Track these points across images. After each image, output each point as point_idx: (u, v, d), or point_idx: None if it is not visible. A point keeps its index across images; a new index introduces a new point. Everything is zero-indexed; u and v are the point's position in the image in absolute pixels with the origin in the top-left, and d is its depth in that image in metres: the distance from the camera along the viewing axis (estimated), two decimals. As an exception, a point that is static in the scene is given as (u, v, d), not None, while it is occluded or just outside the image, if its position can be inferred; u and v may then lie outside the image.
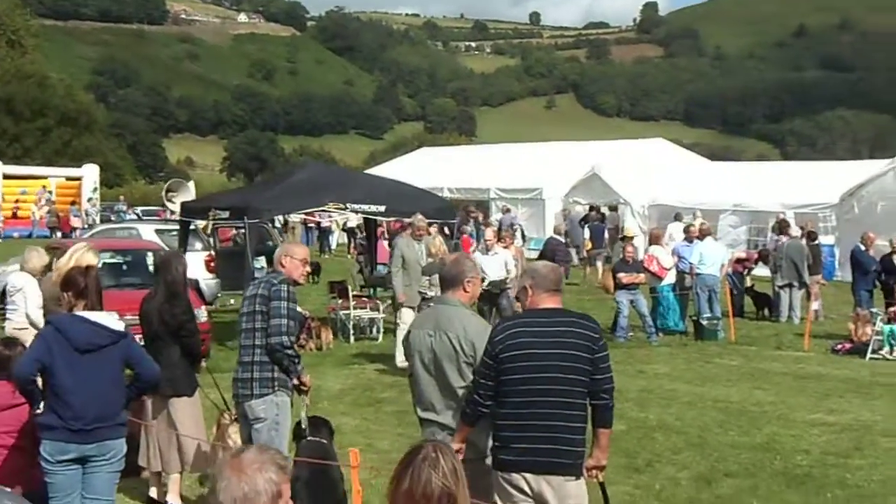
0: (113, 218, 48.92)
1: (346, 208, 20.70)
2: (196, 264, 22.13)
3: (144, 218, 43.38)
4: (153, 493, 9.92)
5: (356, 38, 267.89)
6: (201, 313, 16.46)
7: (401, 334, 17.84)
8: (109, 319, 7.59)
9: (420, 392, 7.49)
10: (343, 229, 46.32)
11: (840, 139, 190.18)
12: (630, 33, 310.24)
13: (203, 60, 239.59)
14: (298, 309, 18.74)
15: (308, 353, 18.68)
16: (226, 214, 20.94)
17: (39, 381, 7.50)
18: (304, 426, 9.01)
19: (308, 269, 9.37)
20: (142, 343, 8.85)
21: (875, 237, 22.26)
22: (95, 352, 7.36)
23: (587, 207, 40.91)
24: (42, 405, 7.58)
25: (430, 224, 19.99)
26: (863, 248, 22.15)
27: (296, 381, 8.80)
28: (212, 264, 23.62)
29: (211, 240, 25.34)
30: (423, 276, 16.74)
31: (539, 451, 6.61)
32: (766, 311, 25.43)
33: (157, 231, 25.26)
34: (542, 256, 23.62)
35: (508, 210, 41.76)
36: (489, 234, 19.71)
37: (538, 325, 6.75)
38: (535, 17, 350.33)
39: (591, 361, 6.61)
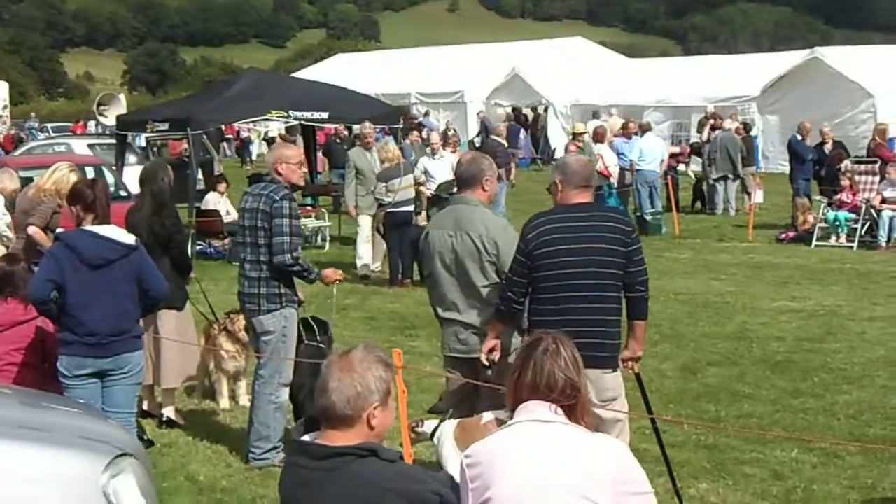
0: (23, 136, 47.67)
1: (289, 116, 20.41)
2: (132, 179, 21.73)
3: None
4: (146, 405, 9.79)
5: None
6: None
7: (361, 241, 17.83)
8: (119, 233, 7.45)
9: (441, 293, 7.45)
10: (264, 139, 45.73)
11: (741, 33, 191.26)
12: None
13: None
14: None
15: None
16: (165, 126, 20.58)
17: None
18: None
19: (305, 169, 9.20)
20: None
21: (811, 126, 22.52)
22: (107, 266, 7.22)
23: (509, 108, 40.90)
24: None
25: (377, 129, 19.91)
26: (799, 137, 22.42)
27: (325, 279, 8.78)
28: (148, 179, 23.16)
29: (148, 153, 24.86)
30: (380, 182, 16.61)
31: (576, 345, 6.62)
32: (700, 204, 25.78)
33: (90, 146, 24.70)
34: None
35: (428, 114, 41.55)
36: (434, 137, 19.55)
37: (571, 220, 6.72)
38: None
39: (626, 255, 6.63)
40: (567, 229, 6.66)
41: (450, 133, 22.10)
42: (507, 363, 7.20)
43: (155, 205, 9.46)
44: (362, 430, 3.90)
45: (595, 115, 36.59)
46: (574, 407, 4.09)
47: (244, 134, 45.04)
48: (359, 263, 17.68)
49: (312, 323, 9.20)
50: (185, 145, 28.96)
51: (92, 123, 53.20)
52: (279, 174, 8.64)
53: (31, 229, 10.38)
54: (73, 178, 9.53)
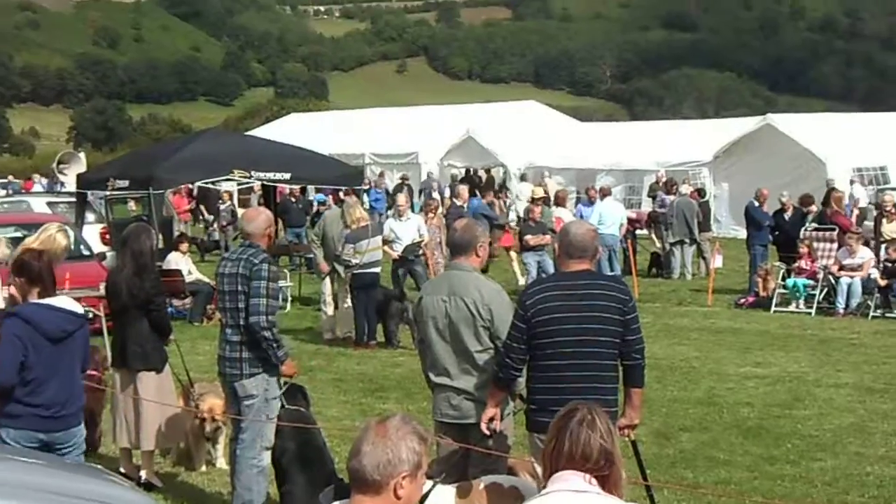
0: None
1: (251, 176, 20.36)
2: (91, 237, 21.62)
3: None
4: (122, 467, 9.68)
5: (202, 3, 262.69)
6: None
7: (327, 305, 17.81)
8: (72, 303, 7.35)
9: (434, 358, 7.47)
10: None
11: (686, 98, 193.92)
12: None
13: (44, 28, 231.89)
14: (206, 280, 18.58)
15: (217, 323, 18.43)
16: (125, 184, 20.45)
17: None
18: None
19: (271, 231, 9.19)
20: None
21: (768, 193, 22.80)
22: (66, 339, 7.12)
23: (463, 170, 41.10)
24: None
25: (337, 191, 19.98)
26: (756, 204, 22.69)
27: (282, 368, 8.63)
28: (107, 236, 23.00)
29: (104, 212, 24.65)
30: (348, 243, 16.60)
31: (573, 411, 6.65)
32: (657, 269, 25.99)
33: (49, 203, 24.52)
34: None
35: (382, 174, 41.62)
36: (401, 199, 19.62)
37: (568, 287, 6.78)
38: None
39: (622, 323, 6.69)
40: (565, 297, 6.71)
41: (431, 200, 22.07)
42: (504, 429, 7.28)
43: (136, 266, 9.44)
44: (388, 498, 3.93)
45: (523, 178, 37.01)
46: (608, 478, 4.12)
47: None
48: (324, 327, 17.69)
49: (292, 388, 9.18)
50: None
51: (43, 181, 52.81)
52: (265, 238, 8.68)
53: (13, 290, 10.27)
54: (62, 239, 9.47)
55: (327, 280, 17.73)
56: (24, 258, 7.56)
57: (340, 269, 17.19)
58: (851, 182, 29.71)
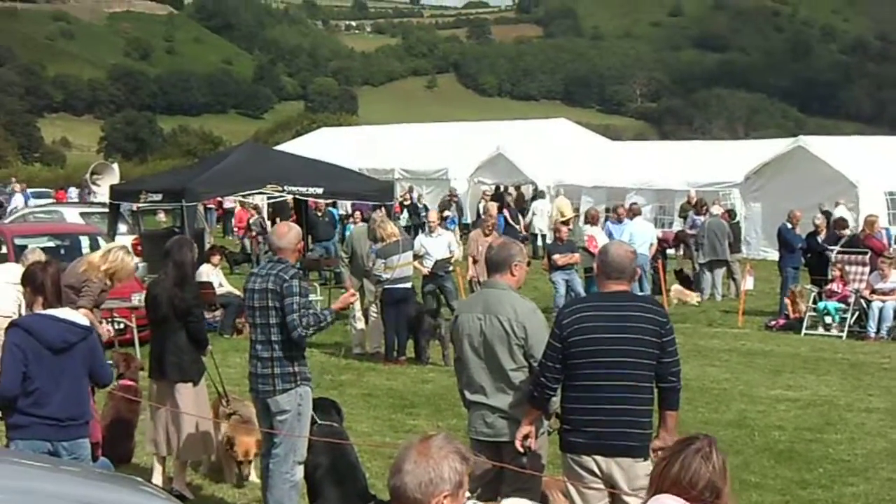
0: (2, 200, 47.52)
1: (284, 190, 20.49)
2: (123, 248, 21.70)
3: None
4: (157, 478, 9.74)
5: (234, 16, 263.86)
6: (143, 297, 16.12)
7: (357, 320, 17.80)
8: (75, 315, 7.43)
9: (469, 375, 7.50)
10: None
11: (716, 118, 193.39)
12: (509, 13, 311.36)
13: (78, 39, 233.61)
14: (237, 293, 18.64)
15: (248, 336, 18.50)
16: (158, 197, 20.61)
17: None
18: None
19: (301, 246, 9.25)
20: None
21: (801, 215, 22.73)
22: (68, 350, 7.18)
23: (493, 187, 41.12)
24: None
25: (373, 206, 20.02)
26: (789, 226, 22.61)
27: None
28: (138, 248, 23.11)
29: (136, 223, 24.83)
30: (379, 259, 16.60)
31: (609, 434, 6.67)
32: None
33: (82, 214, 24.67)
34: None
35: (412, 189, 41.70)
36: (432, 216, 19.66)
37: (605, 308, 6.80)
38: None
39: (659, 345, 6.70)
40: (602, 318, 6.73)
41: (487, 217, 22.04)
42: (538, 448, 7.29)
43: (177, 277, 9.51)
44: None
45: (540, 196, 37.09)
46: None
47: (227, 205, 45.02)
48: (354, 341, 17.70)
49: (325, 403, 9.24)
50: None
51: (73, 191, 53.16)
52: (296, 253, 8.74)
53: (83, 311, 10.35)
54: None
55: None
56: (31, 269, 7.66)
57: (370, 284, 17.22)
58: (836, 204, 29.42)
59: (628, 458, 6.68)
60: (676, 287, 24.17)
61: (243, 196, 24.17)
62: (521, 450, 7.10)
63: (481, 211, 26.37)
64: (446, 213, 35.46)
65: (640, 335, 6.67)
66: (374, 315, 17.44)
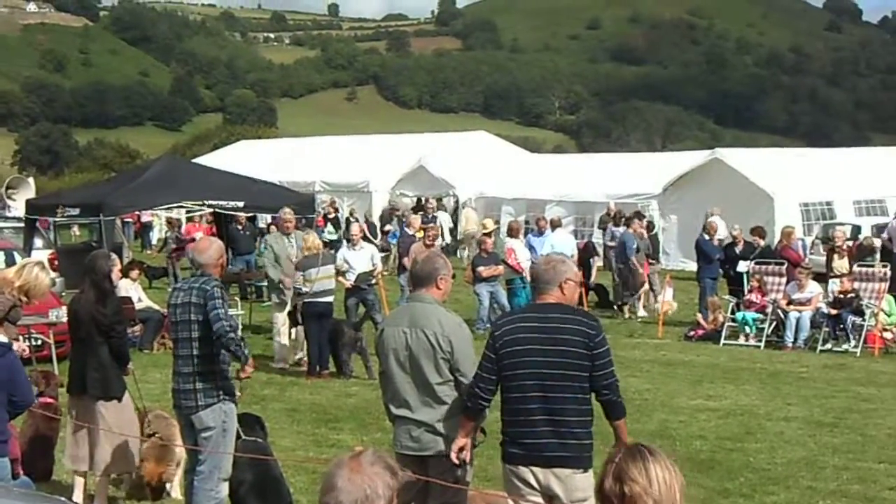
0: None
1: (204, 204, 20.33)
2: (39, 263, 21.36)
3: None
4: (78, 495, 9.59)
5: (151, 28, 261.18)
6: (60, 312, 15.89)
7: (280, 335, 17.69)
8: None
9: (394, 389, 7.48)
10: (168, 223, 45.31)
11: (633, 130, 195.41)
12: (429, 25, 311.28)
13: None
14: (156, 308, 18.45)
15: (168, 350, 18.31)
16: (76, 212, 20.35)
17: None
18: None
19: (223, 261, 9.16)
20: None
21: (717, 226, 23.03)
22: None
23: (414, 199, 41.14)
24: None
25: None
26: (706, 237, 22.90)
27: (241, 372, 8.74)
28: (55, 262, 22.76)
29: (54, 237, 24.46)
30: (297, 271, 16.55)
31: (543, 444, 6.72)
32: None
33: (-5, 229, 24.26)
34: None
35: (334, 202, 41.58)
36: (354, 228, 19.63)
37: (536, 320, 6.86)
38: (333, 8, 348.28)
39: (590, 357, 6.73)
40: (533, 329, 6.79)
41: (432, 225, 22.01)
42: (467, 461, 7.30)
43: (97, 294, 9.38)
44: None
45: (440, 208, 37.18)
46: None
47: (145, 218, 44.55)
48: (276, 356, 17.59)
49: (249, 418, 9.19)
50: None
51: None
52: (218, 268, 8.69)
53: None
54: (44, 277, 9.43)
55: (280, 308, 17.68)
56: None
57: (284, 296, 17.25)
58: (711, 213, 29.85)
59: (565, 468, 6.73)
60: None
61: (165, 209, 23.91)
62: (457, 461, 7.10)
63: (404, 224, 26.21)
64: (388, 226, 35.38)
65: (570, 347, 6.72)
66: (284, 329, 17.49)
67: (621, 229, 27.02)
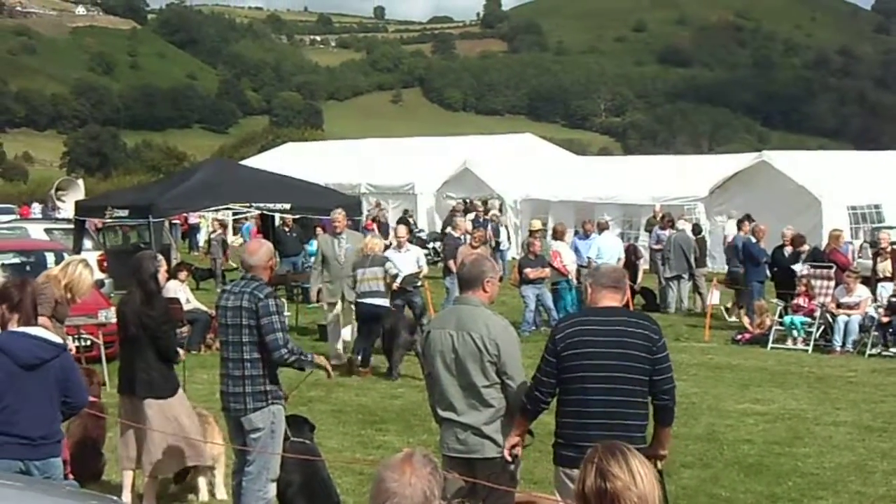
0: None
1: (251, 206, 20.46)
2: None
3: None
4: (126, 495, 9.67)
5: (198, 31, 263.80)
6: (109, 313, 16.04)
7: (330, 332, 17.78)
8: (48, 333, 7.33)
9: (441, 392, 7.47)
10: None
11: (679, 132, 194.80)
12: (474, 28, 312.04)
13: (40, 54, 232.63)
14: (204, 309, 18.58)
15: (215, 352, 18.43)
16: (124, 213, 20.53)
17: None
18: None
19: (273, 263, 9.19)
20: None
21: (765, 229, 22.87)
22: (40, 367, 7.07)
23: (460, 202, 41.14)
24: None
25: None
26: (754, 240, 22.75)
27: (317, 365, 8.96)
28: (104, 264, 23.00)
29: (101, 239, 24.72)
30: (357, 269, 16.71)
31: (601, 447, 6.68)
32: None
33: (47, 230, 24.51)
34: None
35: (379, 205, 41.71)
36: (401, 231, 19.68)
37: (599, 323, 6.87)
38: (379, 10, 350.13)
39: (651, 361, 6.74)
40: (596, 332, 6.80)
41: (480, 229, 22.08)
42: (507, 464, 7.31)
43: (144, 295, 9.45)
44: None
45: (467, 211, 37.07)
46: None
47: (192, 220, 44.88)
48: (331, 353, 17.61)
49: (297, 420, 9.24)
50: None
51: (37, 207, 52.81)
52: (268, 270, 8.72)
53: (42, 320, 10.28)
54: (88, 275, 9.53)
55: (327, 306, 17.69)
56: (7, 286, 7.58)
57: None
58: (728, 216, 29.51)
59: (622, 472, 6.71)
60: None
61: (214, 211, 24.10)
62: (510, 459, 7.13)
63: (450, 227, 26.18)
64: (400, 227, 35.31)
65: (633, 350, 6.73)
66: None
67: (667, 232, 26.93)
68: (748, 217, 25.60)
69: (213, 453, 10.15)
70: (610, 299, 6.96)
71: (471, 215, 32.59)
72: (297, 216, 24.49)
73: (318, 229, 23.32)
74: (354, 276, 16.62)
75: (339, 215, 17.95)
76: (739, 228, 24.58)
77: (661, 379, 6.79)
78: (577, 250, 23.12)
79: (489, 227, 35.62)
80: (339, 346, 17.81)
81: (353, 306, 17.30)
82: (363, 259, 16.70)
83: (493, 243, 33.47)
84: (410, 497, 3.88)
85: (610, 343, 6.73)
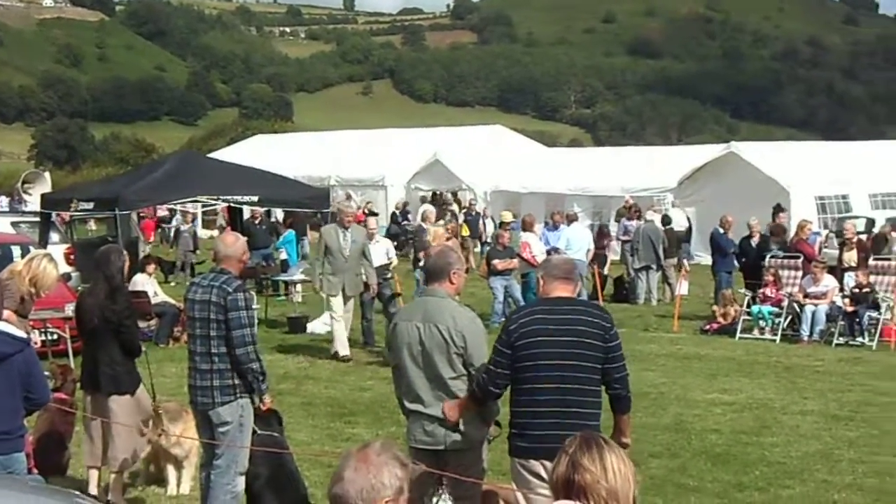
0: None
1: (218, 199, 20.39)
2: (55, 257, 21.41)
3: None
4: (93, 489, 9.63)
5: (167, 23, 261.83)
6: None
7: (336, 325, 17.64)
8: (11, 327, 7.24)
9: (408, 384, 7.46)
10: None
11: (649, 124, 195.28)
12: (444, 19, 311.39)
13: (7, 46, 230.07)
14: (172, 302, 18.48)
15: (184, 345, 18.36)
16: (90, 206, 20.41)
17: None
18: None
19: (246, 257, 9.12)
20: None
21: (733, 220, 22.98)
22: (3, 361, 6.92)
23: (430, 194, 41.15)
24: None
25: (307, 213, 19.90)
26: (721, 231, 22.86)
27: (261, 404, 8.71)
28: (71, 257, 22.83)
29: (69, 232, 24.54)
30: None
31: (554, 437, 6.67)
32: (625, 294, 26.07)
33: (13, 224, 24.30)
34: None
35: (349, 196, 41.63)
36: (371, 223, 19.65)
37: (552, 312, 6.88)
38: (349, 2, 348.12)
39: (604, 350, 6.76)
40: (549, 321, 6.81)
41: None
42: (477, 456, 7.32)
43: (108, 289, 9.39)
44: None
45: (423, 200, 37.17)
46: None
47: (161, 213, 44.61)
48: (337, 346, 17.49)
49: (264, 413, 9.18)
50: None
51: (3, 200, 52.44)
52: (240, 264, 8.67)
53: (6, 314, 10.19)
54: (52, 270, 9.46)
55: (336, 298, 17.55)
56: None
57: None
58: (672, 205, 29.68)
59: (576, 461, 6.72)
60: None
61: (181, 205, 24.00)
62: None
63: (420, 217, 26.17)
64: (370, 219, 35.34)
65: (586, 339, 6.76)
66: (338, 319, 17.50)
67: (634, 223, 27.03)
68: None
69: (187, 445, 10.10)
70: (562, 290, 6.97)
71: (454, 207, 32.67)
72: (265, 209, 24.41)
73: (288, 221, 23.18)
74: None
75: (348, 208, 17.71)
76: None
77: (614, 367, 6.83)
78: (546, 242, 23.14)
79: (479, 221, 35.81)
80: (343, 335, 17.61)
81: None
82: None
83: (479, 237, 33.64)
84: (355, 482, 3.89)
85: (563, 332, 6.75)
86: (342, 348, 17.35)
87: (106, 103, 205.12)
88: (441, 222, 19.57)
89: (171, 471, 10.22)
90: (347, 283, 17.33)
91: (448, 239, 19.61)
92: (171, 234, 43.99)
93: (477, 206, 37.77)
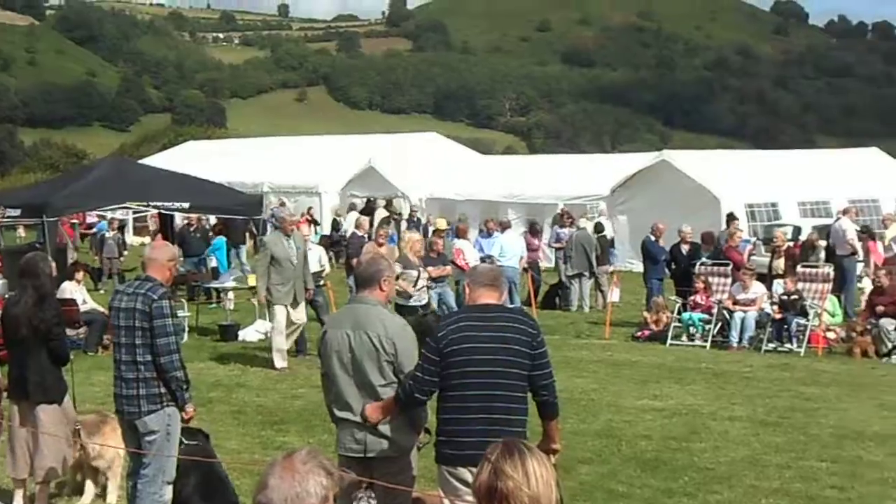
0: None
1: (148, 205, 20.20)
2: (-18, 265, 21.14)
3: None
4: (18, 501, 9.50)
5: (98, 27, 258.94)
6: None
7: (278, 337, 17.33)
8: None
9: (337, 392, 7.44)
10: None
11: (583, 132, 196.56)
12: (379, 26, 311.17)
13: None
14: (101, 310, 18.26)
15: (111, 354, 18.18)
16: (17, 213, 20.15)
17: None
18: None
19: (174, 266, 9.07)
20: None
21: (664, 228, 23.17)
22: None
23: (364, 201, 41.08)
24: None
25: (240, 219, 19.77)
26: (653, 238, 23.04)
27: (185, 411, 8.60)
28: (-1, 264, 22.52)
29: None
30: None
31: (482, 444, 6.65)
32: (556, 301, 26.18)
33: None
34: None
35: (283, 203, 41.40)
36: (304, 230, 19.58)
37: (478, 319, 6.88)
38: (283, 8, 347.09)
39: (531, 357, 6.77)
40: (476, 328, 6.82)
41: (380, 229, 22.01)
42: (406, 463, 7.31)
43: (36, 297, 9.26)
44: None
45: (352, 207, 37.19)
46: None
47: (91, 219, 44.08)
48: (276, 356, 17.27)
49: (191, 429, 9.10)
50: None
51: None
52: (166, 271, 8.60)
53: None
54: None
55: (279, 307, 17.19)
56: None
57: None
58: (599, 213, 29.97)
59: (502, 467, 6.72)
60: None
61: (111, 211, 23.75)
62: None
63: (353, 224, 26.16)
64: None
65: (513, 345, 6.77)
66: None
67: (566, 230, 27.16)
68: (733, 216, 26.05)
69: (109, 456, 9.97)
70: (488, 297, 6.99)
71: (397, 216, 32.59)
72: (196, 215, 24.20)
73: (218, 228, 22.99)
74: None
75: (286, 214, 17.53)
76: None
77: (541, 374, 6.86)
78: (480, 249, 23.21)
79: (420, 228, 35.69)
80: (284, 347, 17.37)
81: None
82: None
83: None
84: (279, 490, 3.85)
85: (490, 339, 6.77)
86: (281, 361, 17.19)
87: (36, 108, 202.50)
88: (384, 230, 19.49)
89: (88, 483, 10.07)
90: (298, 290, 17.15)
91: (382, 244, 19.61)
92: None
93: (418, 213, 37.83)
